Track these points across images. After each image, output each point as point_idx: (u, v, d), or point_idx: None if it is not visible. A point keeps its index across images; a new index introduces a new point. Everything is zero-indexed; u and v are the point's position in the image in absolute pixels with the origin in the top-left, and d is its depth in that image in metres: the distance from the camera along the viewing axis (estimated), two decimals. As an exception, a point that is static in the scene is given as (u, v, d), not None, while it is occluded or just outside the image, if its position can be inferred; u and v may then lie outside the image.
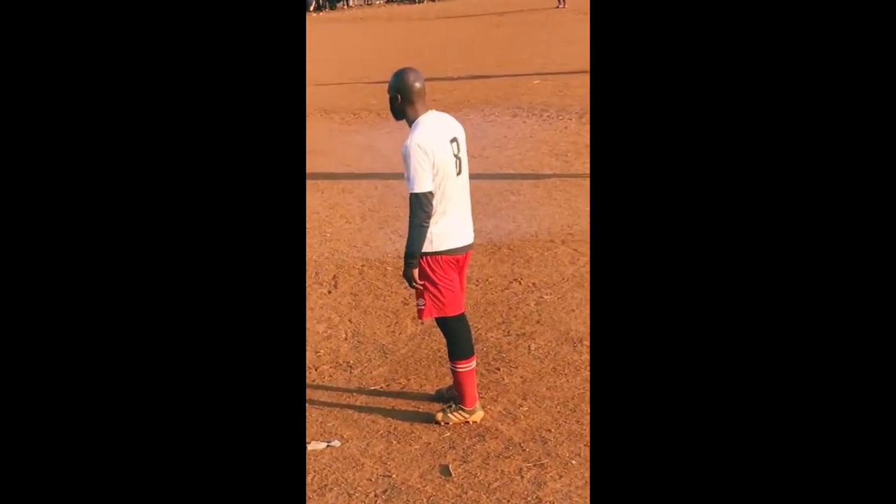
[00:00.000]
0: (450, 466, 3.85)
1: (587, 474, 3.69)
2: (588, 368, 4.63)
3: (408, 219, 3.92)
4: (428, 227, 3.89)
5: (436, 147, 3.83)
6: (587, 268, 6.00)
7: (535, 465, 3.80)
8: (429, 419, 4.22)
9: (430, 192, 3.83)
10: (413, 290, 4.18)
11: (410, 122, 3.95)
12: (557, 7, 24.58)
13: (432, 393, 4.51)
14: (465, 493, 3.67)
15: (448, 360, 4.23)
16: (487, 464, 3.85)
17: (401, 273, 4.11)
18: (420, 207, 3.82)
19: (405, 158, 3.83)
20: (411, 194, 3.84)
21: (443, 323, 4.15)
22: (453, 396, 4.28)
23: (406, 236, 3.96)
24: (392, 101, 3.94)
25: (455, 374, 4.16)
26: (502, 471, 3.78)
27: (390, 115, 4.05)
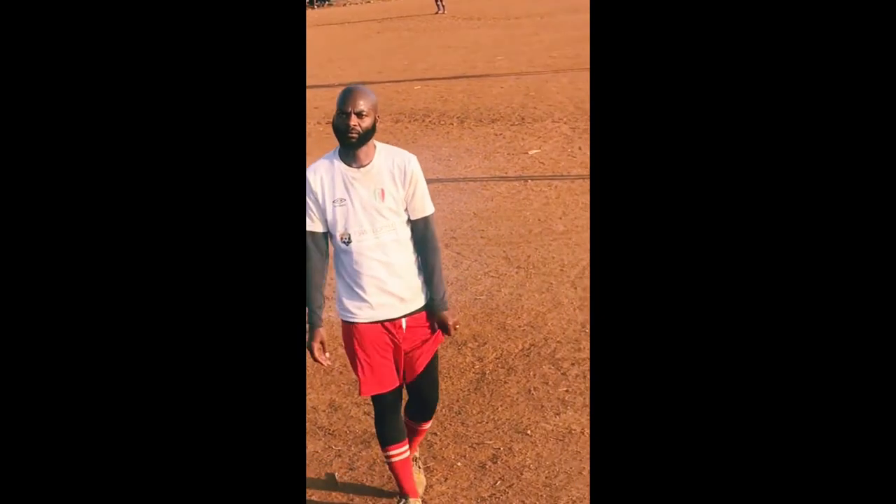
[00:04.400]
0: (336, 474, 3.84)
1: (472, 475, 3.75)
2: (472, 371, 4.69)
3: (430, 248, 3.29)
4: None
5: None
6: (470, 270, 6.08)
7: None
8: (315, 429, 4.20)
9: None
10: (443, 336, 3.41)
11: (363, 148, 3.19)
12: (437, 13, 24.80)
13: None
14: (352, 500, 3.67)
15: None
16: (373, 470, 3.86)
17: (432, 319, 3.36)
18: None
19: (412, 175, 3.20)
20: (429, 216, 3.27)
21: (433, 382, 3.50)
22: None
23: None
24: (374, 122, 3.19)
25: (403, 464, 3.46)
26: (388, 476, 3.80)
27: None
